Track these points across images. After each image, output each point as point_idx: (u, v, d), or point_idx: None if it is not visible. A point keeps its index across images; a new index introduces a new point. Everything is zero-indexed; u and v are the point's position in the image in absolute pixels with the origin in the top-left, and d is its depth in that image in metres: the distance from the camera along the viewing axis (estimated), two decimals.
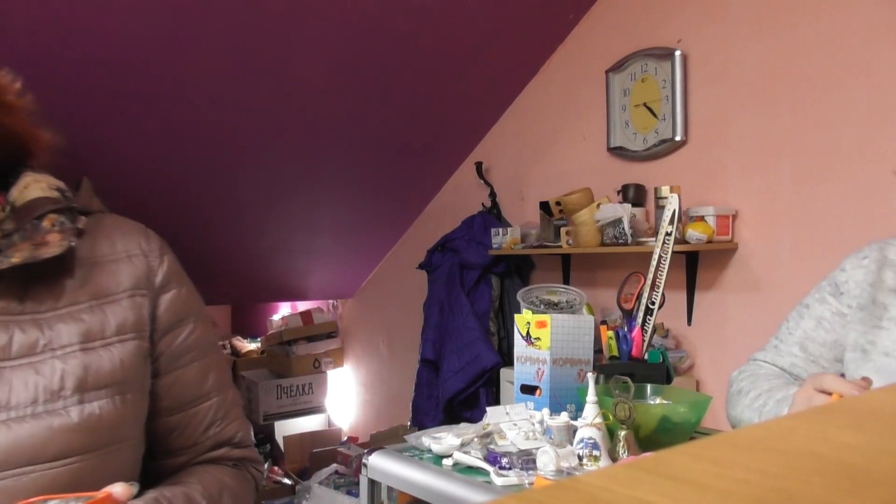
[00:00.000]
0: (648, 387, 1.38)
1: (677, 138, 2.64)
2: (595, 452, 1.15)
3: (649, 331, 1.51)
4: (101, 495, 0.66)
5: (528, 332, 1.44)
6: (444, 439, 1.27)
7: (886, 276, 1.15)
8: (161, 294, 0.82)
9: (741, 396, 1.23)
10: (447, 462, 1.22)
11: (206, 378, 0.85)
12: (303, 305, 4.80)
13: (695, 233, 2.39)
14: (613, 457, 1.18)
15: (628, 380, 1.21)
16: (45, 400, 0.71)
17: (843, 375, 1.19)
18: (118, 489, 0.67)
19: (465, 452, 1.22)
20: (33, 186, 0.77)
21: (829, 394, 1.00)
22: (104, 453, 0.75)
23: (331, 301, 4.73)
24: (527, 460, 1.16)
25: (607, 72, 2.90)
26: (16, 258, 0.71)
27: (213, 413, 0.86)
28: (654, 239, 2.38)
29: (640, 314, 1.52)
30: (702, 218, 2.44)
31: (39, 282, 0.74)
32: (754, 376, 1.25)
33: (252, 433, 0.92)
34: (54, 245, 0.73)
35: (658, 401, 1.33)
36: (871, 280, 1.16)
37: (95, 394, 0.74)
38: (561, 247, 2.84)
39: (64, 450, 0.71)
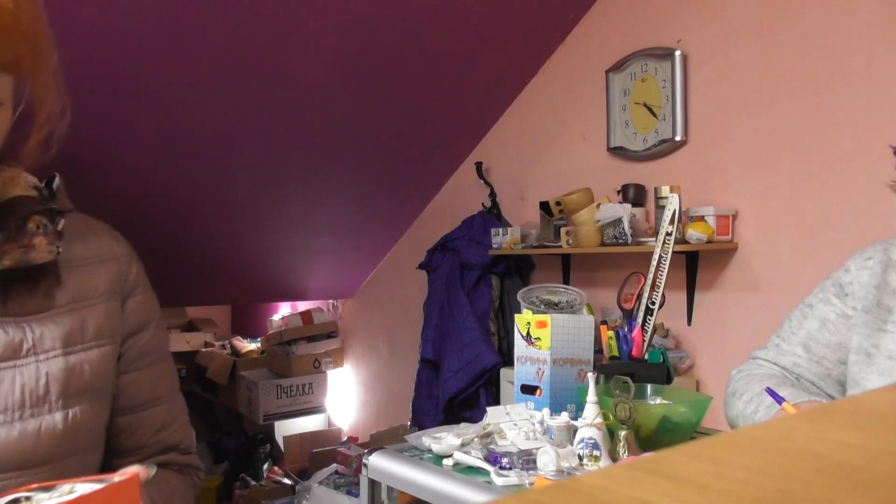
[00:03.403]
0: (648, 387, 1.37)
1: (677, 138, 2.64)
2: (595, 452, 1.15)
3: (649, 331, 1.51)
4: (125, 477, 0.62)
5: (528, 332, 1.44)
6: (444, 439, 1.27)
7: (891, 278, 1.15)
8: (129, 298, 0.83)
9: (735, 398, 1.23)
10: (447, 462, 1.22)
11: (159, 382, 0.87)
12: (303, 305, 4.80)
13: (695, 233, 2.39)
14: (614, 457, 1.17)
15: (628, 380, 1.21)
16: (31, 404, 0.71)
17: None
18: (138, 470, 0.65)
19: (465, 452, 1.22)
20: (12, 183, 0.74)
21: None
22: (80, 457, 0.76)
23: (331, 301, 4.73)
24: (527, 460, 1.16)
25: (607, 72, 2.90)
26: (7, 261, 0.70)
27: (163, 417, 0.87)
28: (654, 239, 2.38)
29: (640, 314, 1.52)
30: (702, 218, 2.44)
31: (20, 284, 0.73)
32: (750, 376, 1.25)
33: (194, 441, 0.94)
34: (42, 250, 0.72)
35: (658, 401, 1.33)
36: (875, 282, 1.15)
37: (77, 398, 0.74)
38: (561, 247, 2.84)
39: (49, 455, 0.71)
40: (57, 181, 0.79)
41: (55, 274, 0.75)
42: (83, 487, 0.60)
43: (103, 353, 0.78)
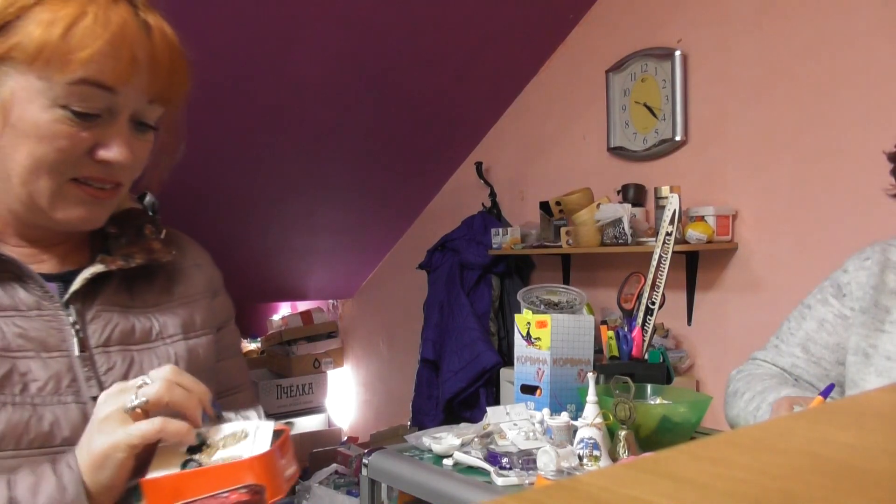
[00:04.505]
0: (648, 387, 1.37)
1: (677, 138, 2.64)
2: (595, 452, 1.15)
3: (649, 331, 1.51)
4: (284, 427, 0.76)
5: (528, 332, 1.44)
6: (444, 439, 1.27)
7: (889, 278, 1.15)
8: (216, 297, 0.96)
9: (737, 398, 1.23)
10: (447, 462, 1.22)
11: (240, 372, 0.99)
12: (303, 305, 4.79)
13: (695, 233, 2.39)
14: (614, 457, 1.17)
15: (628, 380, 1.21)
16: None
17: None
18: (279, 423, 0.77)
19: (465, 452, 1.22)
20: (123, 198, 0.87)
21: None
22: None
23: (331, 301, 4.73)
24: (527, 460, 1.16)
25: (607, 72, 2.90)
26: (139, 259, 0.83)
27: (244, 402, 0.96)
28: (654, 239, 2.38)
29: (640, 314, 1.52)
30: (702, 218, 2.44)
31: (140, 281, 0.85)
32: (751, 376, 1.25)
33: None
34: (162, 252, 0.86)
35: (658, 401, 1.32)
36: (873, 283, 1.15)
37: (197, 376, 0.83)
38: (561, 247, 2.84)
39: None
40: (151, 198, 0.93)
41: (166, 274, 0.89)
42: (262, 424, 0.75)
43: (209, 340, 0.90)
